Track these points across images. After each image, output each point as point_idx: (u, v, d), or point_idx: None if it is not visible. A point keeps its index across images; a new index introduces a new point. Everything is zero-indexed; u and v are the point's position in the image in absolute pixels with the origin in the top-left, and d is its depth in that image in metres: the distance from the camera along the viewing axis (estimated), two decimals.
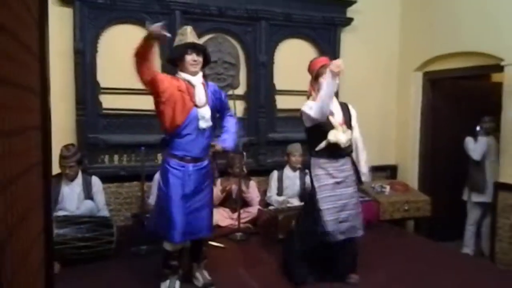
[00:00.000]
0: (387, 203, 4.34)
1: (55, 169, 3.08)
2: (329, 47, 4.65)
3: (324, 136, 2.73)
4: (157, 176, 3.64)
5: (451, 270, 3.17)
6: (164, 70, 3.76)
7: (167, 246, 2.64)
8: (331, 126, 2.75)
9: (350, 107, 2.99)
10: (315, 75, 2.84)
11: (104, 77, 3.90)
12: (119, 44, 3.82)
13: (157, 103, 2.56)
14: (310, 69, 2.91)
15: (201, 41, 4.19)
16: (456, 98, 4.79)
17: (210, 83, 2.81)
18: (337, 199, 2.76)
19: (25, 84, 0.94)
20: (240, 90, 4.42)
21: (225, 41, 4.34)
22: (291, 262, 2.90)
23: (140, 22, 3.83)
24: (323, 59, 2.91)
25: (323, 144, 2.75)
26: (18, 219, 0.80)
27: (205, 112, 2.61)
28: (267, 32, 4.37)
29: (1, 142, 0.67)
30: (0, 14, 0.67)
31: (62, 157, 3.32)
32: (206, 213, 2.68)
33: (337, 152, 2.78)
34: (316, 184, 2.78)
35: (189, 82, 2.60)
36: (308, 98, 2.89)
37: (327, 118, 2.75)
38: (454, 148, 4.67)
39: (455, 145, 4.65)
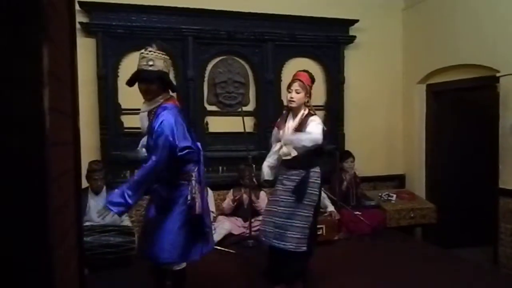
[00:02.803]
0: (393, 211, 4.53)
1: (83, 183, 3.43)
2: (333, 64, 4.92)
3: None
4: None
5: (453, 275, 3.29)
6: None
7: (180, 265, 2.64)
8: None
9: (310, 119, 2.94)
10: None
11: (125, 99, 4.26)
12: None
13: None
14: (314, 82, 3.09)
15: (212, 63, 4.59)
16: (459, 108, 4.96)
17: (165, 113, 2.43)
18: (275, 204, 2.98)
19: (63, 110, 1.25)
20: (250, 107, 4.74)
21: (234, 62, 4.68)
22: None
23: None
24: (299, 73, 3.06)
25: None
26: (59, 208, 1.10)
27: (143, 141, 2.64)
28: (274, 53, 4.68)
29: (54, 149, 0.98)
30: (51, 65, 0.99)
31: (92, 171, 3.70)
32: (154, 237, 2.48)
33: (287, 162, 2.99)
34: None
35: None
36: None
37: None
38: (459, 156, 4.85)
39: (459, 153, 4.84)
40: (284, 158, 2.98)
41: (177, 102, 2.61)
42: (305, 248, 2.86)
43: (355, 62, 5.04)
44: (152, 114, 2.48)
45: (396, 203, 4.68)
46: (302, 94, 2.94)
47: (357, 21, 4.93)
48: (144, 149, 2.59)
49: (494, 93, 4.10)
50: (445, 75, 4.80)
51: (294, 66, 4.88)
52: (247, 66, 4.75)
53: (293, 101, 2.94)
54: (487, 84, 4.25)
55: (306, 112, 2.96)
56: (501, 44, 3.97)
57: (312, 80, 3.07)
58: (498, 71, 4.02)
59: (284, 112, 3.17)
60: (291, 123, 3.00)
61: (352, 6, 4.99)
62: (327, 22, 4.85)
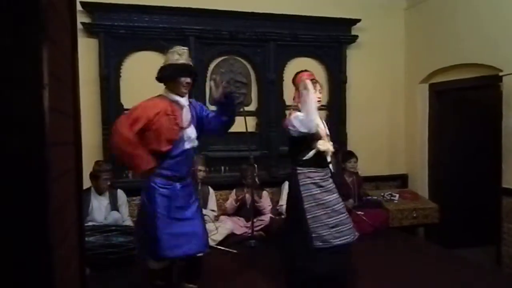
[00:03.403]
0: (396, 211, 4.52)
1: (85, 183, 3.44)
2: (335, 64, 4.92)
3: (309, 146, 2.83)
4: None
5: (456, 275, 3.27)
6: None
7: (151, 264, 2.70)
8: (319, 137, 2.87)
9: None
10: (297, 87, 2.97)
11: (127, 99, 4.26)
12: (140, 69, 4.23)
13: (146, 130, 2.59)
14: (295, 83, 3.01)
15: (214, 63, 4.61)
16: (461, 107, 4.95)
17: (193, 100, 2.86)
18: (325, 206, 2.82)
19: (64, 110, 1.26)
20: (252, 106, 4.74)
21: (236, 62, 4.68)
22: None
23: (158, 49, 4.22)
24: (306, 74, 3.00)
25: (311, 153, 2.83)
26: (59, 208, 1.11)
27: (191, 133, 2.68)
28: (276, 52, 4.68)
29: (54, 149, 0.98)
30: (51, 65, 0.99)
31: (102, 171, 3.71)
32: (196, 229, 2.65)
33: (322, 161, 2.89)
34: (303, 194, 2.82)
35: (177, 102, 2.64)
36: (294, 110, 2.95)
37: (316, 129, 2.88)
38: (462, 155, 4.84)
39: (462, 152, 4.83)
40: (327, 155, 2.88)
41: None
42: None
43: (357, 62, 5.03)
44: (191, 106, 2.72)
45: (399, 203, 4.67)
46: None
47: (359, 20, 4.92)
48: (189, 141, 2.68)
49: (497, 92, 4.09)
50: (448, 74, 4.78)
51: (296, 66, 4.87)
52: (249, 66, 4.75)
53: (320, 100, 2.96)
54: (489, 83, 4.24)
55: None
56: (503, 43, 3.96)
57: None
58: (501, 70, 4.01)
59: None
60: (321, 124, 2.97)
61: (354, 5, 4.98)
62: (329, 22, 4.85)
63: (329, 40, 4.87)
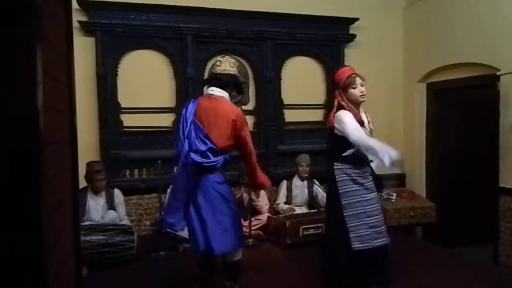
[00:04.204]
0: (394, 210, 4.52)
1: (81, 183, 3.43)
2: (333, 63, 4.89)
3: (349, 143, 2.76)
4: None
5: (453, 273, 3.27)
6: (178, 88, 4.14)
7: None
8: None
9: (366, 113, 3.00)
10: (343, 86, 2.87)
11: (124, 98, 4.26)
12: (137, 68, 4.22)
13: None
14: (336, 80, 2.94)
15: (211, 61, 4.56)
16: (459, 107, 4.96)
17: None
18: (364, 204, 2.75)
19: (59, 108, 1.24)
20: (250, 105, 4.73)
21: None
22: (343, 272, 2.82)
23: (155, 47, 4.21)
24: (348, 69, 3.00)
25: (351, 150, 2.79)
26: (54, 207, 1.10)
27: None
28: (273, 51, 4.66)
29: (48, 148, 0.97)
30: (46, 63, 0.98)
31: (94, 172, 3.68)
32: (224, 229, 2.67)
33: (361, 158, 2.82)
34: (340, 190, 2.77)
35: None
36: (337, 108, 2.89)
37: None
38: (459, 155, 4.85)
39: (460, 152, 4.83)
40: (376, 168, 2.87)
41: (202, 97, 2.94)
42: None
43: (355, 61, 4.99)
44: None
45: (396, 202, 4.67)
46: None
47: (357, 19, 4.91)
48: None
49: (495, 92, 4.09)
50: (446, 73, 4.78)
51: (293, 64, 4.89)
52: (246, 65, 4.73)
53: (364, 95, 2.90)
54: (487, 82, 4.25)
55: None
56: (501, 43, 3.96)
57: None
58: (499, 70, 4.01)
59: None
60: (366, 120, 2.92)
61: (352, 4, 4.98)
62: (327, 21, 4.84)
63: (327, 39, 4.86)
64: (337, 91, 2.92)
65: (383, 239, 2.77)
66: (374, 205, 2.79)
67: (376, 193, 2.86)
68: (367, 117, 2.98)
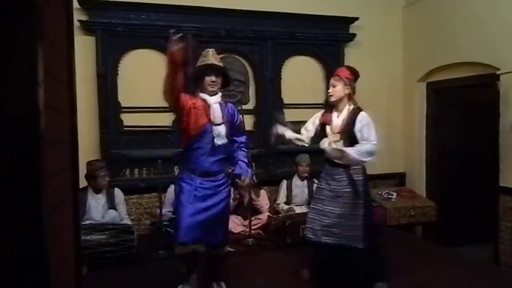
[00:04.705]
0: (394, 209, 4.53)
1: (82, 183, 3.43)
2: (333, 62, 4.88)
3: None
4: (170, 188, 3.96)
5: (453, 273, 3.27)
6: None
7: (176, 249, 2.75)
8: (325, 134, 2.95)
9: (359, 115, 2.90)
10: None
11: (125, 97, 4.26)
12: (137, 67, 4.22)
13: (180, 121, 2.79)
14: (357, 77, 3.02)
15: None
16: (459, 106, 4.96)
17: (230, 104, 2.97)
18: (323, 204, 2.92)
19: (59, 108, 1.25)
20: (250, 105, 4.73)
21: (234, 60, 4.67)
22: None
23: (155, 46, 4.21)
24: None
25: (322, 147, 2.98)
26: (54, 207, 1.10)
27: (221, 130, 2.75)
28: (273, 51, 4.67)
29: (50, 147, 0.97)
30: (47, 63, 0.98)
31: (96, 169, 3.68)
32: (218, 223, 2.78)
33: (331, 160, 2.91)
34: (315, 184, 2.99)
35: (205, 101, 2.75)
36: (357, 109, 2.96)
37: (325, 126, 2.95)
38: (459, 154, 4.85)
39: (459, 151, 4.84)
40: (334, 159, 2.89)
41: None
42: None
43: (355, 60, 4.99)
44: (222, 106, 2.82)
45: (396, 201, 4.68)
46: (339, 87, 2.90)
47: (357, 19, 4.91)
48: (219, 138, 2.77)
49: (495, 91, 4.09)
50: (446, 73, 4.79)
51: (294, 64, 4.89)
52: (246, 64, 4.74)
53: (330, 95, 2.94)
54: (487, 82, 4.25)
55: (352, 107, 2.93)
56: (501, 42, 3.96)
57: (353, 73, 2.98)
58: (499, 69, 4.02)
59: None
60: (337, 120, 2.94)
61: (352, 3, 4.98)
62: (327, 20, 4.84)
63: (327, 39, 4.86)
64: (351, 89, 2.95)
65: (339, 239, 2.85)
66: (330, 208, 2.89)
67: (343, 197, 2.88)
68: (350, 119, 2.91)
